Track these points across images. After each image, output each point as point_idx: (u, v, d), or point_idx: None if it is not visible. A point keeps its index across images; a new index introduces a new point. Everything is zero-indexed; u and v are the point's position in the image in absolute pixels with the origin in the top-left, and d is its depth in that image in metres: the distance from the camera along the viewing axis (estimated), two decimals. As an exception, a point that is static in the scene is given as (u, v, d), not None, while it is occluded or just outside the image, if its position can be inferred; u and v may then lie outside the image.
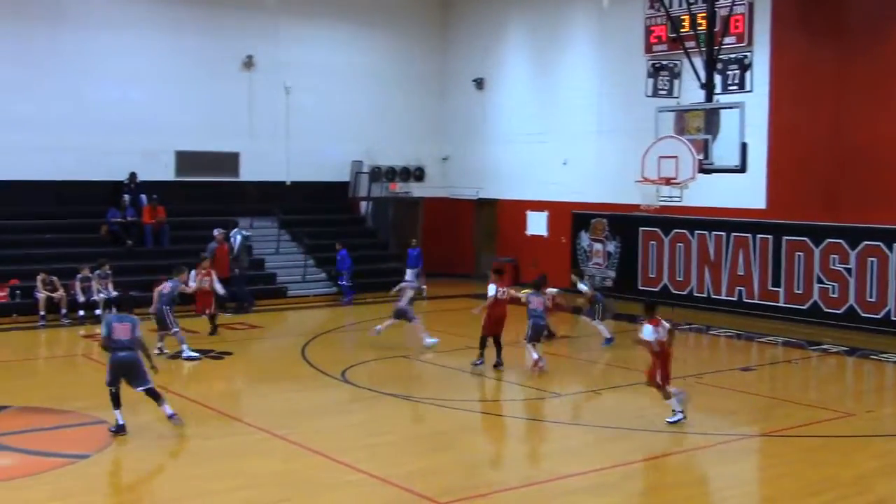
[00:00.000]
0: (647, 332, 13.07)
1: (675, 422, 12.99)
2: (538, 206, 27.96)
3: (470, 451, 12.31)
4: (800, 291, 21.51)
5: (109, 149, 25.04)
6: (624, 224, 25.11)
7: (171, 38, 26.16)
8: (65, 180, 24.58)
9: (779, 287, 21.82)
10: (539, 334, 16.38)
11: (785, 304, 21.70)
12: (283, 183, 27.98)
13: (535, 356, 16.13)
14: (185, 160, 26.55)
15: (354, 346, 18.99)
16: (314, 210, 28.35)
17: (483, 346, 16.60)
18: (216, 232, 22.69)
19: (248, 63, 27.27)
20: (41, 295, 21.00)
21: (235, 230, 23.96)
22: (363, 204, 29.50)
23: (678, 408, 13.03)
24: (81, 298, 21.32)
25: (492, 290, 16.35)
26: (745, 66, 22.30)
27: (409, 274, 25.07)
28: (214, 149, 26.91)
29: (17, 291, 21.85)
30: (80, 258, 22.11)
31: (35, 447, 11.89)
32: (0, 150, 23.77)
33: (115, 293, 21.20)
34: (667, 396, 13.10)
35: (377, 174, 29.18)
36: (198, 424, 12.88)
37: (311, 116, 28.14)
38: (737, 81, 22.34)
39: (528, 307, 16.36)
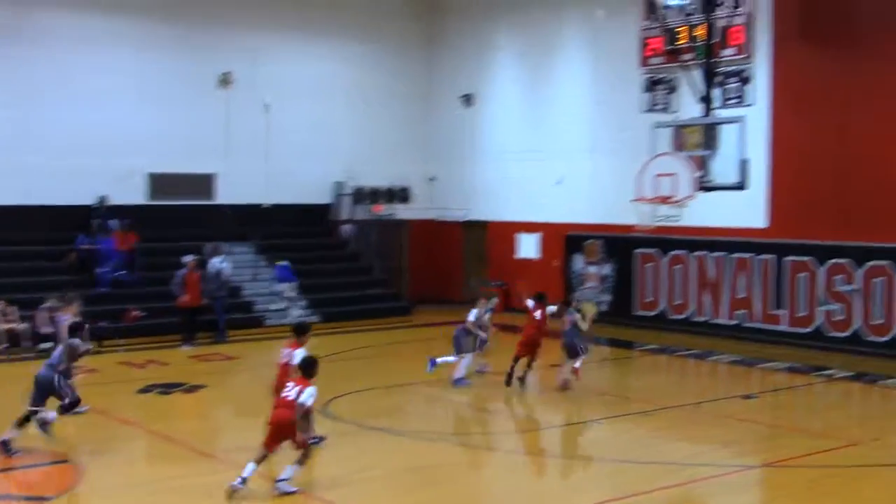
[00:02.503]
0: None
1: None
2: (530, 227, 28.07)
3: (460, 487, 12.33)
4: (803, 314, 21.65)
5: (78, 171, 24.99)
6: (619, 245, 25.24)
7: (144, 54, 26.18)
8: (30, 205, 24.52)
9: (781, 309, 21.95)
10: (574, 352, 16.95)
11: (788, 327, 21.82)
12: (261, 206, 27.99)
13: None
14: (159, 183, 26.56)
15: (336, 377, 18.95)
16: (294, 234, 28.37)
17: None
18: (187, 258, 22.70)
19: (225, 80, 27.34)
20: (1, 327, 20.93)
21: (220, 257, 23.92)
22: (346, 227, 29.56)
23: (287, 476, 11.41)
24: (46, 330, 21.19)
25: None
26: (744, 79, 22.44)
27: (285, 288, 25.46)
28: (189, 170, 26.92)
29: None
30: (45, 287, 22.07)
31: (-3, 488, 11.87)
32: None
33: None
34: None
35: (360, 196, 29.22)
36: (170, 463, 12.86)
37: (291, 135, 28.19)
38: (736, 95, 22.44)
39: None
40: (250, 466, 11.14)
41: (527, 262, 28.04)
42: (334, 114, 29.15)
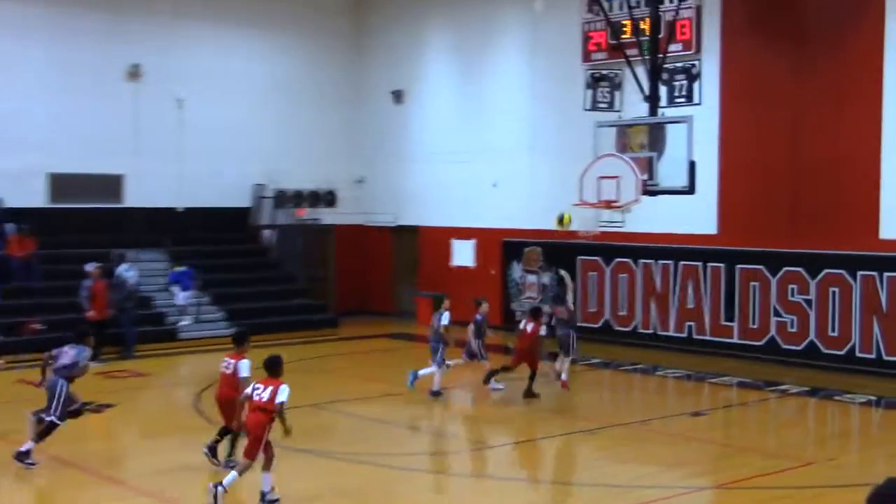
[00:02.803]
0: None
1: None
2: (464, 233, 28.04)
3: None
4: (755, 326, 21.85)
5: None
6: (561, 253, 25.28)
7: (44, 44, 25.70)
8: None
9: (732, 322, 22.13)
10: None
11: (739, 340, 22.00)
12: (174, 209, 27.64)
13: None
14: (61, 184, 26.05)
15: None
16: (210, 240, 28.07)
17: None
18: (90, 267, 22.21)
19: (134, 73, 26.91)
20: None
21: (126, 265, 23.50)
22: (267, 233, 29.28)
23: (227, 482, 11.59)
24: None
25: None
26: (692, 77, 22.68)
27: (182, 297, 25.18)
28: (95, 171, 26.46)
29: None
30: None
31: None
32: None
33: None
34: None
35: (282, 199, 28.99)
36: (74, 490, 12.53)
37: (207, 133, 27.87)
38: (684, 93, 22.70)
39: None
40: (231, 477, 11.47)
41: (462, 271, 28.00)
42: (254, 110, 28.90)
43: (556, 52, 25.58)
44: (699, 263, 22.81)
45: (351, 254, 30.46)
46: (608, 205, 19.54)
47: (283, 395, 11.56)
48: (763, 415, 17.81)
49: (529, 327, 17.77)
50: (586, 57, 24.77)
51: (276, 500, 11.67)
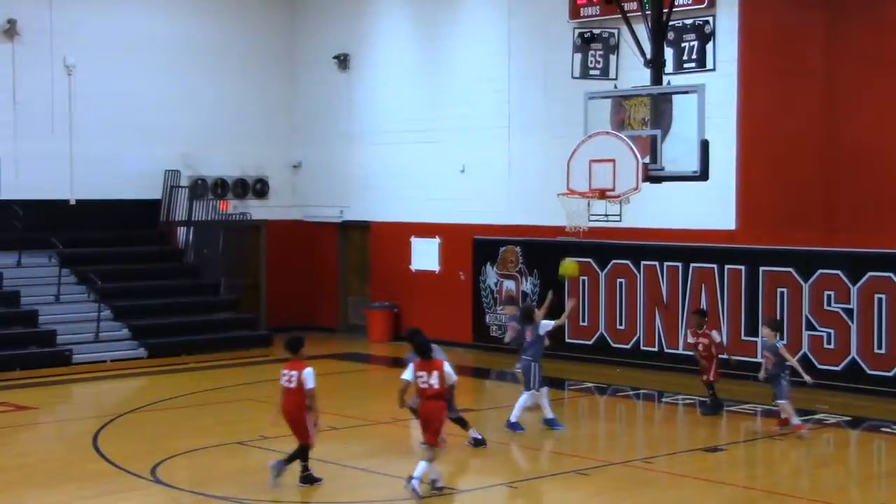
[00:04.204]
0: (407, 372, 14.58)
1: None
2: (427, 229, 28.09)
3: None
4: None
5: None
6: (544, 253, 25.33)
7: None
8: None
9: (756, 336, 22.23)
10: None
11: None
12: (65, 202, 27.53)
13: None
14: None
15: (169, 431, 18.64)
16: (111, 240, 28.08)
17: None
18: None
19: (10, 30, 26.75)
20: None
21: None
22: (181, 231, 29.20)
23: (419, 474, 13.94)
24: None
25: (407, 373, 14.93)
26: (705, 37, 22.73)
27: None
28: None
29: None
30: None
31: None
32: None
33: None
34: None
35: (201, 189, 28.92)
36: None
37: (106, 108, 27.82)
38: (694, 57, 22.74)
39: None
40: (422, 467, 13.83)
41: (425, 276, 28.03)
42: (166, 81, 28.92)
43: (538, 7, 25.70)
44: (714, 265, 22.95)
45: (287, 256, 30.48)
46: (602, 194, 19.51)
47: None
48: (794, 450, 17.88)
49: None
50: (574, 13, 24.88)
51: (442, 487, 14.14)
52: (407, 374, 14.47)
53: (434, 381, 14.11)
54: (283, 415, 14.76)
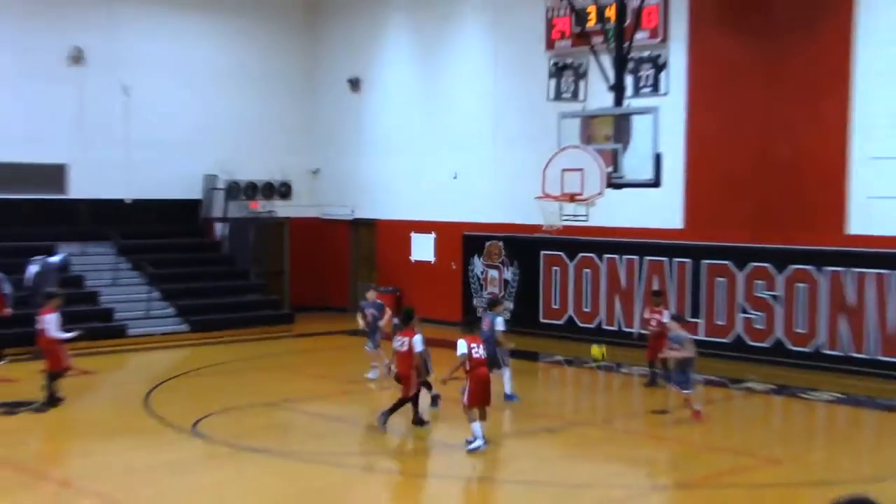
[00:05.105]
0: (462, 346, 14.40)
1: (473, 449, 13.94)
2: (424, 226, 28.16)
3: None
4: (721, 323, 22.14)
5: None
6: (523, 247, 25.47)
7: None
8: None
9: (698, 318, 22.38)
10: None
11: (705, 337, 22.21)
12: (121, 201, 27.56)
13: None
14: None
15: (208, 393, 18.77)
16: (160, 233, 28.04)
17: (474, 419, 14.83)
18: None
19: (77, 57, 26.73)
20: None
21: (39, 258, 23.16)
22: (218, 226, 29.28)
23: (479, 433, 14.06)
24: None
25: (462, 346, 14.53)
26: (659, 66, 22.89)
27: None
28: (36, 160, 26.30)
29: None
30: None
31: None
32: None
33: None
34: (471, 419, 14.19)
35: (235, 191, 28.95)
36: (10, 494, 12.55)
37: (155, 122, 27.74)
38: (650, 83, 22.91)
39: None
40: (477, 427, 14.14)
41: (422, 265, 28.11)
42: (205, 99, 28.84)
43: (520, 40, 25.68)
44: (665, 259, 23.03)
45: (306, 247, 30.48)
46: (572, 198, 19.54)
47: (418, 343, 15.10)
48: (728, 413, 18.06)
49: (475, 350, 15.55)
50: (550, 45, 24.89)
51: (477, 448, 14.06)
52: (419, 344, 15.28)
53: (405, 346, 15.23)
54: (398, 373, 15.46)
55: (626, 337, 23.23)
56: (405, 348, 15.32)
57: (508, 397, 17.55)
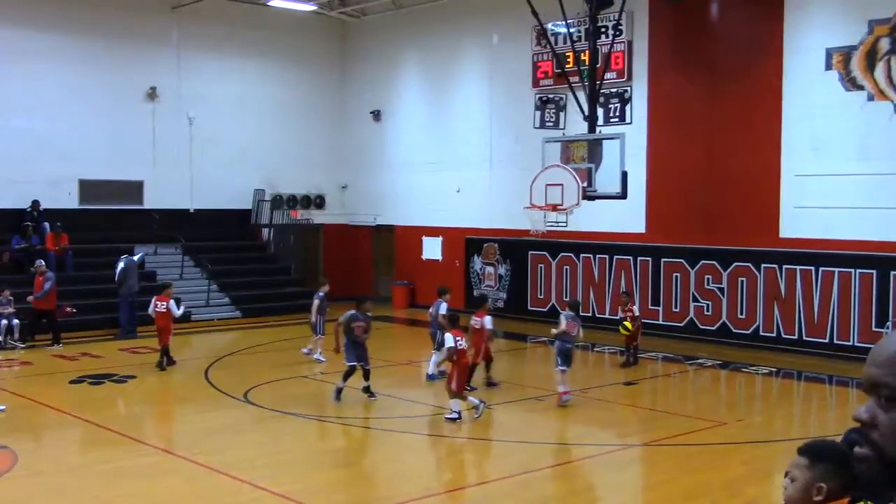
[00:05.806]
0: (449, 340, 14.01)
1: (451, 419, 13.62)
2: (433, 231, 28.06)
3: (371, 467, 12.25)
4: (677, 310, 22.04)
5: (14, 178, 24.32)
6: (514, 248, 25.39)
7: (76, 69, 25.53)
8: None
9: (658, 306, 22.31)
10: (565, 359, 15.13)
11: (664, 321, 22.18)
12: (186, 210, 27.53)
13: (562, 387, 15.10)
14: (89, 188, 25.89)
15: (257, 368, 18.70)
16: (217, 237, 27.99)
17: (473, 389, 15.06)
18: (37, 264, 21.24)
19: (152, 94, 26.78)
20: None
21: (124, 257, 23.05)
22: (265, 231, 29.21)
23: (456, 408, 13.67)
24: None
25: (450, 340, 14.04)
26: (625, 100, 22.82)
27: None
28: (118, 177, 26.31)
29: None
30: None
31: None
32: None
33: (16, 320, 20.64)
34: (452, 398, 13.77)
35: (279, 202, 28.92)
36: (101, 448, 12.52)
37: (214, 146, 27.75)
38: (618, 114, 22.83)
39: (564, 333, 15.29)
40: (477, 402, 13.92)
41: (431, 263, 28.04)
42: (254, 126, 28.79)
43: (511, 79, 25.63)
44: (630, 257, 22.96)
45: (337, 248, 30.42)
46: (554, 208, 19.54)
47: (450, 340, 14.05)
48: (683, 384, 17.98)
49: (460, 343, 14.57)
50: (535, 83, 24.86)
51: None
52: (489, 323, 15.78)
53: (479, 325, 15.82)
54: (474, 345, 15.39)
55: (599, 322, 23.18)
56: (479, 326, 15.68)
57: (430, 377, 16.75)
